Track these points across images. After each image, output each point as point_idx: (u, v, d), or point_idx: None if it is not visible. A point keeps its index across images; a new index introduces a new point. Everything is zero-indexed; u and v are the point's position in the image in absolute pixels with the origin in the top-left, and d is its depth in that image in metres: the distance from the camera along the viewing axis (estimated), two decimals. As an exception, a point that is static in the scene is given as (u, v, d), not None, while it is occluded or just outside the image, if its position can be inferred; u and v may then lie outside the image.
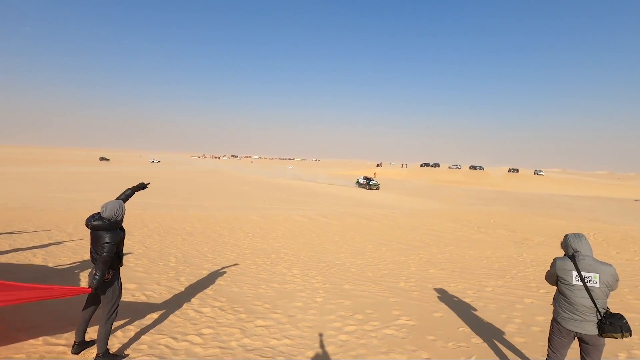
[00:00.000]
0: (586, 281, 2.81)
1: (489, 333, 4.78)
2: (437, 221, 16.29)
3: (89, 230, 3.51)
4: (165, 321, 4.53)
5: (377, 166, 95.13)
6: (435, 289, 6.63)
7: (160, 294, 5.51)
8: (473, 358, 4.04)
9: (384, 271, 7.82)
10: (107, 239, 3.34)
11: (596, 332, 2.78)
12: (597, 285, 2.79)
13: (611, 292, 2.91)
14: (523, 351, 4.30)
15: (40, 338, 3.74)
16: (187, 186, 29.99)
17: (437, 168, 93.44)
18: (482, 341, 4.52)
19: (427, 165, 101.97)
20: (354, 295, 6.12)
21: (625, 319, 2.74)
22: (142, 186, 4.18)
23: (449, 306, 5.79)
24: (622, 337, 2.69)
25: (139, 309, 4.81)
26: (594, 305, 2.79)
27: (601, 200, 34.78)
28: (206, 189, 28.62)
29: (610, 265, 2.84)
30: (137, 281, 6.00)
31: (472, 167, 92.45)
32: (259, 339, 4.25)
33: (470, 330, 4.86)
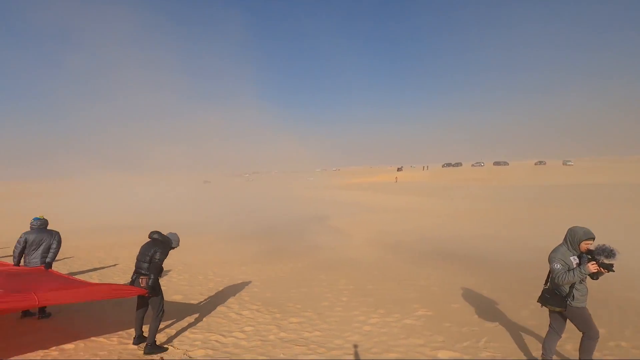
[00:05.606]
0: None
1: (502, 318, 5.22)
2: (454, 221, 16.50)
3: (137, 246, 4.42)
4: (212, 322, 5.26)
5: (397, 170, 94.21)
6: (454, 284, 7.07)
7: (204, 302, 6.27)
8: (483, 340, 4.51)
9: (403, 270, 8.31)
10: (159, 254, 4.37)
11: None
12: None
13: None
14: (535, 331, 4.72)
15: (115, 337, 4.56)
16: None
17: (459, 167, 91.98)
18: (494, 325, 4.97)
19: (449, 165, 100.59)
20: (377, 293, 6.66)
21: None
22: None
23: (466, 298, 6.23)
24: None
25: (188, 314, 5.57)
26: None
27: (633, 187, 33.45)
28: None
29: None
30: (183, 293, 6.80)
31: (497, 163, 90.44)
32: (293, 332, 4.90)
33: (484, 316, 5.31)
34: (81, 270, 8.71)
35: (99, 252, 11.11)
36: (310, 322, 5.30)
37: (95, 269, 8.87)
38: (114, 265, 9.36)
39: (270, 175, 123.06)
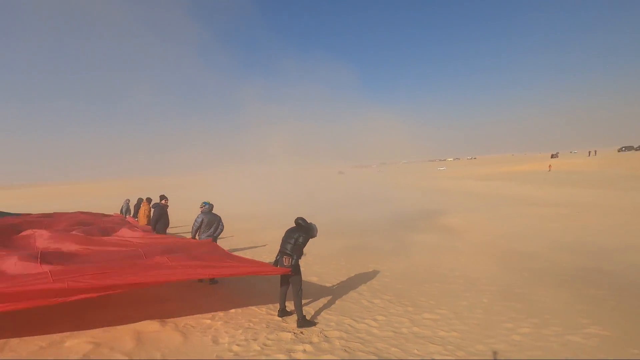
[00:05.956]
0: None
1: None
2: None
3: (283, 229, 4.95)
4: (345, 307, 5.48)
5: (551, 157, 78.60)
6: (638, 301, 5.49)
7: (337, 286, 6.60)
8: None
9: (565, 276, 6.90)
10: (302, 238, 4.88)
11: None
12: None
13: None
14: None
15: (264, 307, 5.24)
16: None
17: (645, 151, 70.80)
18: None
19: (628, 149, 78.70)
20: (527, 299, 5.74)
21: None
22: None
23: (666, 320, 4.74)
24: None
25: (323, 296, 5.96)
26: None
27: None
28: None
29: None
30: (318, 275, 7.32)
31: None
32: (427, 328, 4.66)
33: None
34: (238, 248, 10.36)
35: (251, 235, 13.02)
36: (447, 320, 4.94)
37: (249, 248, 10.43)
38: (264, 245, 10.79)
39: (398, 166, 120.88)
